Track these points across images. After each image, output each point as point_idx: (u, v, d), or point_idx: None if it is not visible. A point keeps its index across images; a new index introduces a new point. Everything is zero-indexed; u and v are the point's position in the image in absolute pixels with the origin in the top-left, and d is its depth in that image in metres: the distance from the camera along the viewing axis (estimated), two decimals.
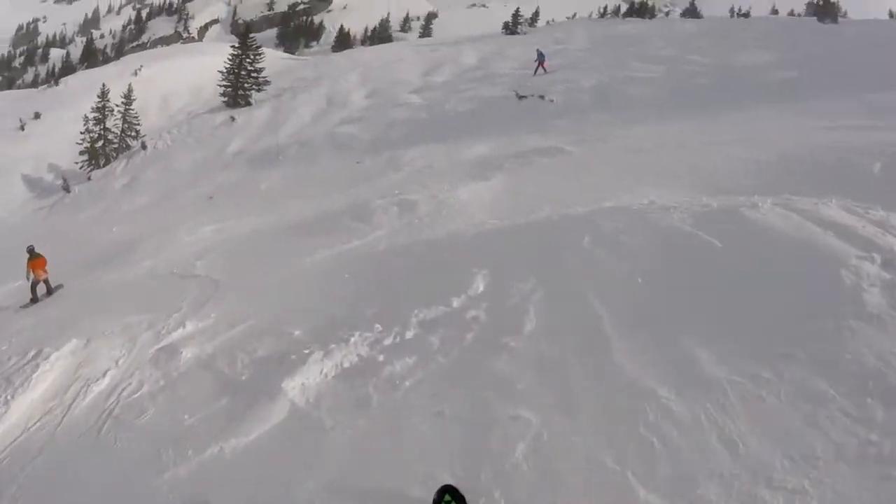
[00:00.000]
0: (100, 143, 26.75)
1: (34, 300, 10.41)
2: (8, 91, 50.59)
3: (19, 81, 78.21)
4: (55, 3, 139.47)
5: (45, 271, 10.58)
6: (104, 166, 26.16)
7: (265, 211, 13.18)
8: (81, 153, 26.43)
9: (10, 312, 9.88)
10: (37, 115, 31.11)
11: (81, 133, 26.59)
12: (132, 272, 10.15)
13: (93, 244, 14.33)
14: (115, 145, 27.22)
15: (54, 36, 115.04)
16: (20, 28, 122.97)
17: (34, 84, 61.44)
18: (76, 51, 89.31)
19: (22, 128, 30.08)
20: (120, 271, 10.53)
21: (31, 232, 17.05)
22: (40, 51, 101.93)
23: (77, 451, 4.86)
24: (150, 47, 72.85)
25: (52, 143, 27.55)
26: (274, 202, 14.50)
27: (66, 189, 24.34)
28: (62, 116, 29.61)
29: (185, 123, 27.99)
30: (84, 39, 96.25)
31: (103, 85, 28.35)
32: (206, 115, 28.02)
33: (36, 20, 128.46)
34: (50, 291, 10.64)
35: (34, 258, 10.50)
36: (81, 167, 26.20)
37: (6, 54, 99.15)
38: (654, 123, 14.31)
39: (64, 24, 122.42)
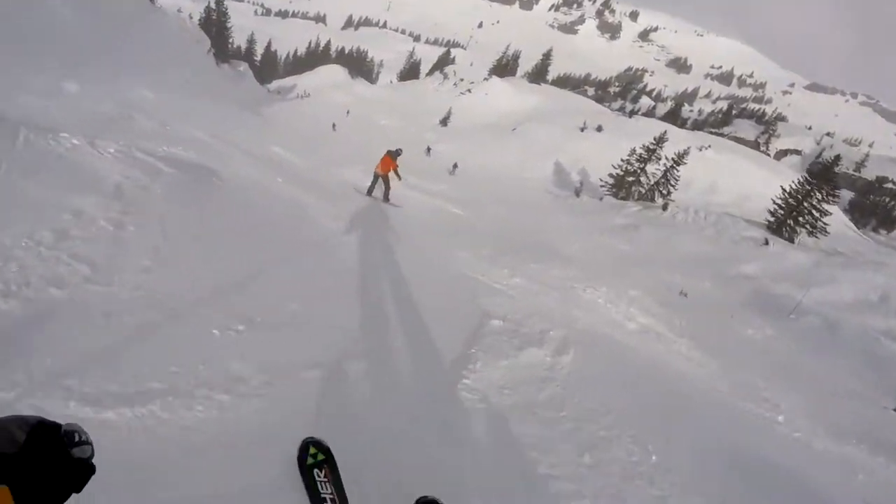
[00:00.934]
0: (630, 179, 27.01)
1: (369, 192, 11.77)
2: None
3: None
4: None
5: (388, 172, 11.76)
6: (619, 198, 26.30)
7: None
8: (611, 175, 27.27)
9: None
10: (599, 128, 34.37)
11: (622, 160, 27.25)
12: None
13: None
14: (642, 190, 27.02)
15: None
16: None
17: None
18: (662, 108, 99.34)
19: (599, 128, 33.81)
20: None
21: None
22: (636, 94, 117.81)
23: None
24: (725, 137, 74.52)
25: (602, 157, 29.47)
26: None
27: (577, 194, 25.48)
28: (619, 145, 31.26)
29: (712, 216, 25.55)
30: (672, 104, 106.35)
31: (665, 131, 28.40)
32: (741, 223, 24.89)
33: None
34: (386, 197, 11.81)
35: (392, 156, 11.84)
36: (602, 185, 27.12)
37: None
38: None
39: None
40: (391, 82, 70.31)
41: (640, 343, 7.69)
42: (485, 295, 7.03)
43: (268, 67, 72.48)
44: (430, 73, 61.86)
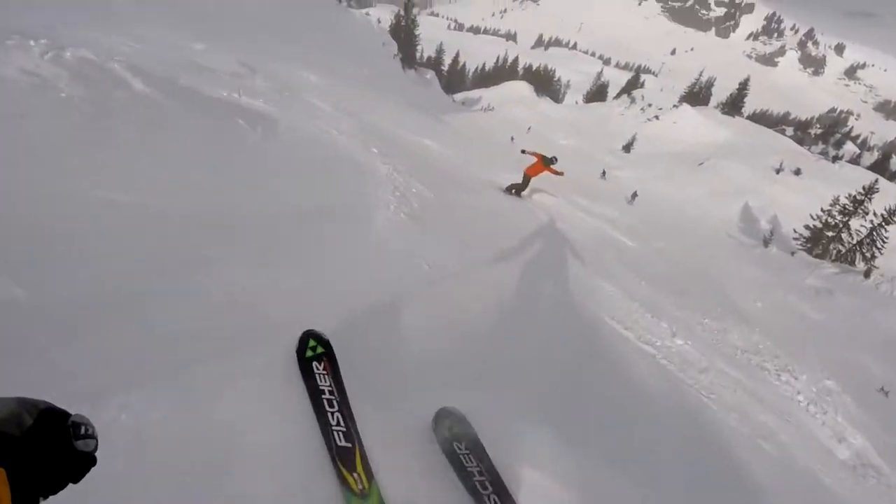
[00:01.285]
0: (829, 234, 23.91)
1: (510, 190, 12.31)
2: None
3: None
4: None
5: (535, 175, 12.09)
6: (814, 255, 23.48)
7: None
8: (807, 227, 24.40)
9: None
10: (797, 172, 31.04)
11: (822, 210, 24.23)
12: None
13: None
14: (842, 248, 23.75)
15: None
16: None
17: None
18: (868, 157, 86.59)
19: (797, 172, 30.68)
20: None
21: None
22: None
23: None
24: None
25: (798, 204, 26.61)
26: None
27: (765, 243, 23.22)
28: (820, 193, 27.85)
29: None
30: (879, 155, 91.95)
31: (876, 180, 24.93)
32: None
33: None
34: (519, 191, 12.20)
35: (544, 161, 12.12)
36: (796, 238, 24.38)
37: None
38: None
39: None
40: (576, 103, 69.99)
41: (858, 495, 5.05)
42: (623, 359, 5.19)
43: (455, 79, 76.39)
44: (618, 96, 60.36)
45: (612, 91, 78.28)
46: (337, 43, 28.21)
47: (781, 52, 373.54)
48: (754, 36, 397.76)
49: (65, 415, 1.02)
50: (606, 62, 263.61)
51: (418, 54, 56.50)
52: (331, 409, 2.72)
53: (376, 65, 33.05)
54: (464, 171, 12.70)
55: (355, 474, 2.55)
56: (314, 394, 2.77)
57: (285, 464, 2.51)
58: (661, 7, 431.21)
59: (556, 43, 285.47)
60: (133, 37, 10.65)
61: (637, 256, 11.46)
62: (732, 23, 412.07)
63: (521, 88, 75.01)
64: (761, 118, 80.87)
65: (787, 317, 12.52)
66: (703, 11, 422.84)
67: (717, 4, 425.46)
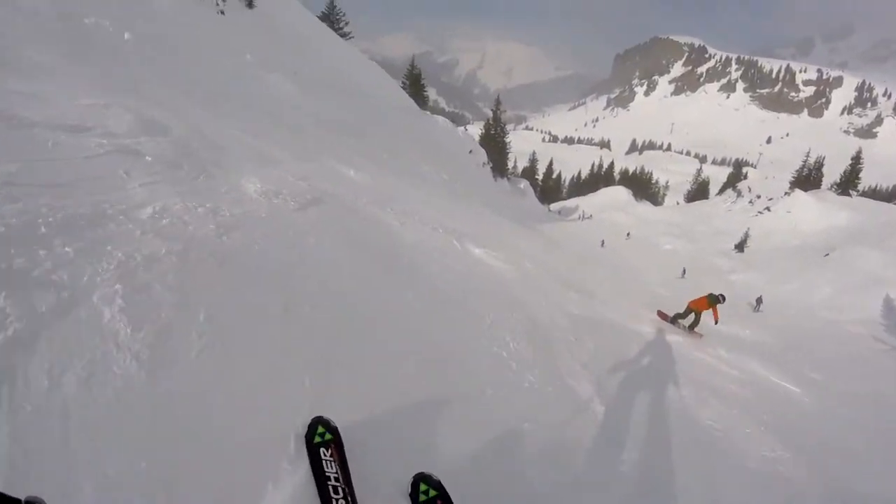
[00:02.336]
0: None
1: (674, 320, 11.78)
2: None
3: None
4: None
5: (701, 310, 11.62)
6: None
7: None
8: None
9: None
10: None
11: None
12: None
13: None
14: None
15: None
16: None
17: None
18: None
19: None
20: None
21: None
22: None
23: None
24: None
25: None
26: None
27: None
28: None
29: None
30: None
31: None
32: None
33: None
34: (692, 327, 11.61)
35: (708, 301, 11.70)
36: None
37: None
38: None
39: None
40: (677, 203, 69.32)
41: None
42: None
43: (551, 188, 78.91)
44: (721, 191, 58.90)
45: (713, 189, 77.06)
46: (421, 150, 27.99)
47: (879, 121, 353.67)
48: (848, 109, 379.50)
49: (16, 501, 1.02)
50: (703, 160, 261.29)
51: (511, 164, 58.05)
52: (335, 496, 2.75)
53: (462, 171, 32.32)
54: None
55: None
56: (320, 480, 2.77)
57: None
58: (750, 97, 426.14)
59: (650, 146, 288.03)
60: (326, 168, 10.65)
61: (803, 409, 8.11)
62: (824, 100, 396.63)
63: (619, 193, 75.53)
64: (873, 195, 74.96)
65: None
66: (793, 94, 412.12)
67: (806, 84, 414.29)
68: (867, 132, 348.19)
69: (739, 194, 51.80)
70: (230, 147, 7.89)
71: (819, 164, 54.49)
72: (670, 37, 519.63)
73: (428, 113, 43.88)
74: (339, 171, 11.01)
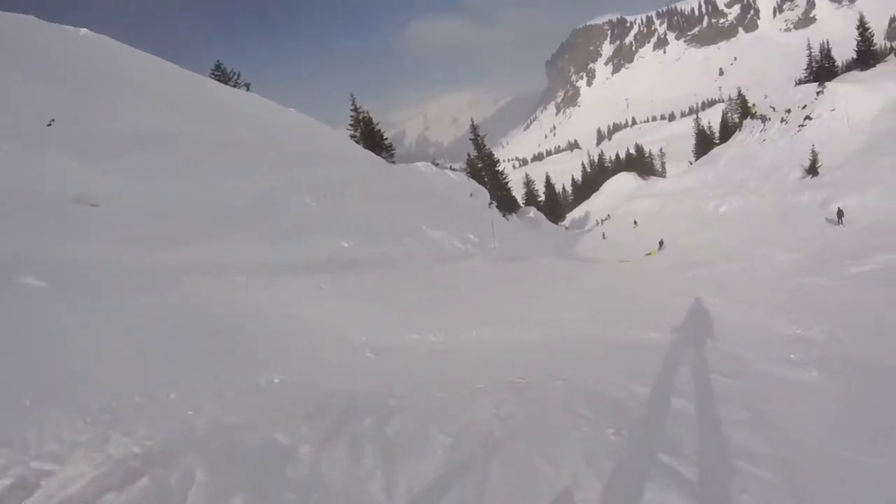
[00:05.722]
0: None
1: None
2: None
3: None
4: None
5: None
6: None
7: None
8: None
9: None
10: None
11: None
12: None
13: None
14: None
15: None
16: None
17: None
18: None
19: None
20: None
21: None
22: None
23: None
24: None
25: None
26: None
27: None
28: None
29: None
30: None
31: None
32: None
33: None
34: None
35: None
36: None
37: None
38: None
39: None
40: (690, 164, 60.79)
41: None
42: None
43: (553, 205, 70.11)
44: (740, 127, 48.69)
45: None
46: (419, 208, 18.62)
47: (812, 5, 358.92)
48: (778, 9, 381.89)
49: None
50: (671, 118, 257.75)
51: (506, 195, 45.96)
52: None
53: (473, 218, 22.13)
54: None
55: None
56: None
57: None
58: (685, 42, 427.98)
59: (617, 128, 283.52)
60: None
61: None
62: (752, 12, 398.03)
63: (624, 180, 68.20)
64: None
65: None
66: (722, 21, 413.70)
67: (729, 5, 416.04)
68: (805, 21, 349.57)
69: (764, 119, 42.93)
70: None
71: (826, 51, 47.30)
72: (587, 24, 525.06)
73: (402, 164, 32.91)
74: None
